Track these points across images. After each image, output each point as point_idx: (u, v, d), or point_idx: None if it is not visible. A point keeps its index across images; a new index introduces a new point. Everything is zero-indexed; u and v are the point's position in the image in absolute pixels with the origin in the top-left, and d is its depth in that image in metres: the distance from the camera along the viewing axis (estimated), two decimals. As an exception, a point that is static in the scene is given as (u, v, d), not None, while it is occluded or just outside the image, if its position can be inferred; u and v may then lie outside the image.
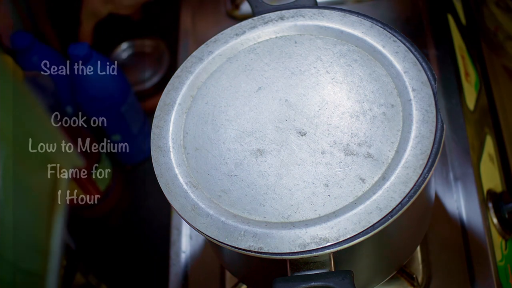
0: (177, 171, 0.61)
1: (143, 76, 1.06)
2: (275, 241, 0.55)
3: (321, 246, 0.55)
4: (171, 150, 0.62)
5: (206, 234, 0.57)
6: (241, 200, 0.58)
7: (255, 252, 0.55)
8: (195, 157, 0.62)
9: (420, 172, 0.57)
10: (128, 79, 0.96)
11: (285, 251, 0.55)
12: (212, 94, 0.66)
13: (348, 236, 0.55)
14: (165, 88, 0.66)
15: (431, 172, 0.57)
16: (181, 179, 0.61)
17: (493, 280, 0.73)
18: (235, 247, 0.56)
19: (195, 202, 0.59)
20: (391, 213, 0.55)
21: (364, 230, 0.55)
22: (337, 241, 0.55)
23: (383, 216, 0.55)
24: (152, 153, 0.62)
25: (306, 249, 0.55)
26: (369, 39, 0.65)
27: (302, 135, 0.61)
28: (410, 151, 0.58)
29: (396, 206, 0.55)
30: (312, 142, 0.61)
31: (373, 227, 0.55)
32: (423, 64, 0.62)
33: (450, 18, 0.94)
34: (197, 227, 0.57)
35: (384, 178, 0.57)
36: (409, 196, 0.56)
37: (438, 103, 0.60)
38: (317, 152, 0.60)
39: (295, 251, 0.55)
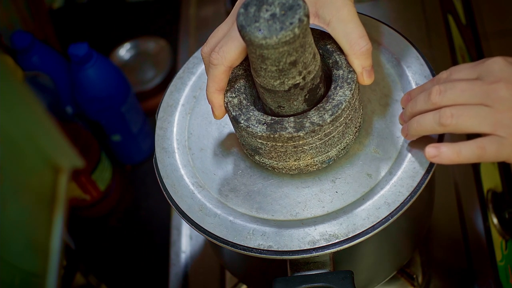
0: (182, 172, 0.61)
1: (144, 76, 1.06)
2: (284, 239, 0.55)
3: (331, 243, 0.54)
4: (176, 151, 0.62)
5: (215, 234, 0.56)
6: (248, 199, 0.58)
7: (264, 250, 0.55)
8: (200, 157, 0.62)
9: (427, 166, 0.56)
10: (130, 79, 0.95)
11: (294, 249, 0.54)
12: (215, 94, 0.65)
13: (358, 232, 0.54)
14: (168, 90, 0.66)
15: (433, 167, 0.56)
16: (187, 180, 0.60)
17: (493, 280, 0.73)
18: (244, 246, 0.55)
19: (202, 202, 0.59)
20: (399, 208, 0.55)
21: (373, 225, 0.54)
22: (347, 237, 0.54)
23: (391, 210, 0.55)
24: (157, 155, 0.62)
25: (316, 246, 0.54)
26: None
27: None
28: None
29: (404, 200, 0.55)
30: None
31: (382, 222, 0.55)
32: (425, 60, 0.62)
33: (450, 18, 0.94)
34: (205, 228, 0.57)
35: (391, 173, 0.57)
36: (415, 191, 0.55)
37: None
38: None
39: (305, 248, 0.54)
